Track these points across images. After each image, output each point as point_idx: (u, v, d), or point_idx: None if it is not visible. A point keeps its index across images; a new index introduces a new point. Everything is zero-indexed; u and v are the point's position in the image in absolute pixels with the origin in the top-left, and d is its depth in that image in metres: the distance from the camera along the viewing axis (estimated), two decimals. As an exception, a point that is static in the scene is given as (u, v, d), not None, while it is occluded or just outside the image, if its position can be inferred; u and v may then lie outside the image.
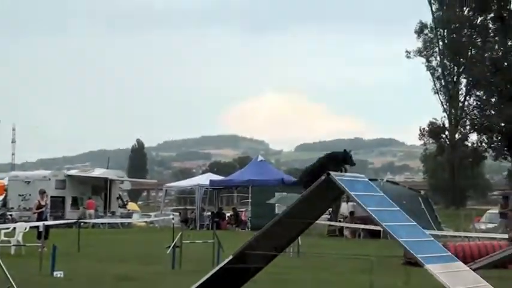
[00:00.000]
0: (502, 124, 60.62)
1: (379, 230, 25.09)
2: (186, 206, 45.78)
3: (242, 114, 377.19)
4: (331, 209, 30.42)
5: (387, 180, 36.31)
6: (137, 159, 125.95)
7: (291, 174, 50.54)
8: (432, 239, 9.90)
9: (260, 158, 36.82)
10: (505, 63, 60.59)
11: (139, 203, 73.21)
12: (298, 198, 10.27)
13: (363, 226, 27.69)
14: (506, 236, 18.72)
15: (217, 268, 10.23)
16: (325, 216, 30.53)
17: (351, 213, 31.62)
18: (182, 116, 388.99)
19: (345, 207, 32.10)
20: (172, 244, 15.28)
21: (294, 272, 14.63)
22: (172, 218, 28.89)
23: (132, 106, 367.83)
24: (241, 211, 37.11)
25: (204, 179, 37.93)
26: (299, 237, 16.78)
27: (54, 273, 13.62)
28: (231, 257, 10.17)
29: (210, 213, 36.28)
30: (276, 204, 22.95)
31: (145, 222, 40.04)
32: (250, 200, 33.49)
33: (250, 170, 34.84)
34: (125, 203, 42.85)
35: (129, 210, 42.53)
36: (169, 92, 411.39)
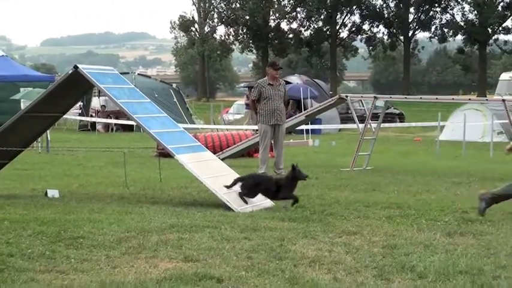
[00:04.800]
0: (247, 17, 62.75)
1: (132, 124, 25.06)
2: None
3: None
4: (82, 104, 29.74)
5: (139, 74, 36.15)
6: None
7: (37, 70, 48.14)
8: (183, 130, 10.03)
9: (1, 53, 34.55)
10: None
11: None
12: (44, 92, 9.89)
13: (115, 121, 27.47)
14: (251, 126, 19.65)
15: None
16: (76, 111, 29.80)
17: (103, 107, 31.21)
18: None
19: (96, 102, 31.59)
20: None
21: (43, 167, 14.14)
22: None
23: None
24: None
25: None
26: (48, 133, 16.23)
27: None
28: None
29: None
30: (22, 100, 21.81)
31: None
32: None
33: (-11, 66, 32.67)
34: None
35: None
36: None
